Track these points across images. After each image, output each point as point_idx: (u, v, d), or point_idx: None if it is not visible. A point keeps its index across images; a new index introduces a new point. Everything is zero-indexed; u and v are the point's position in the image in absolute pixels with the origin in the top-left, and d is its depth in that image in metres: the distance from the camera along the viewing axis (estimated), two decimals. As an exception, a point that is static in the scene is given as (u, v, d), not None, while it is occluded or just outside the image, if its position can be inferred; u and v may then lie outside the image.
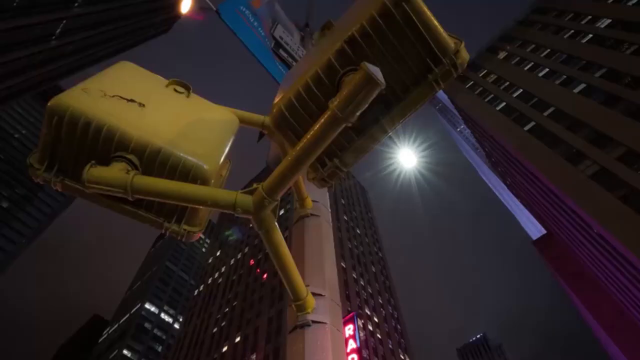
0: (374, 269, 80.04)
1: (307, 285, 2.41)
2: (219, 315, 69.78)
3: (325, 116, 1.41)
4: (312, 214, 3.16)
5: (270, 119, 1.76)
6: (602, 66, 31.74)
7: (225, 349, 60.67)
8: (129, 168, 1.63)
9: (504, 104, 40.93)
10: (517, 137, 35.04)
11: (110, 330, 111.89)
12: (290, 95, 1.65)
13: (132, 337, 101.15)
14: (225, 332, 63.78)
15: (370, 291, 71.52)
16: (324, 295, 2.36)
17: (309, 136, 1.48)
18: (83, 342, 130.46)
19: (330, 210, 3.53)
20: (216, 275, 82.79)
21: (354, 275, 69.19)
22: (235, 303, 68.68)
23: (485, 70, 49.90)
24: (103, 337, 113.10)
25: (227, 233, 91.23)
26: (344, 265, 68.73)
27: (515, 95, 40.02)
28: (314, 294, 2.35)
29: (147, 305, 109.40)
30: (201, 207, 1.75)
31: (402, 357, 64.92)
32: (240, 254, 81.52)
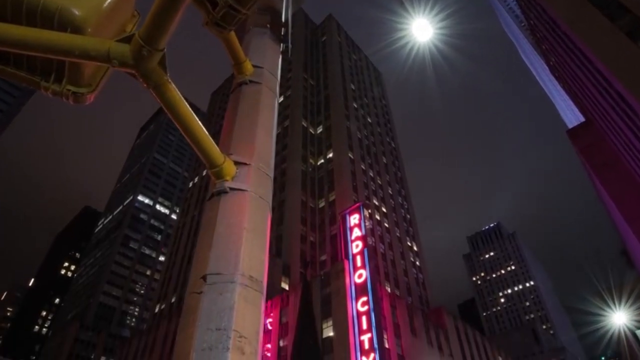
0: (385, 160, 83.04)
1: (230, 154, 2.59)
2: (216, 207, 76.19)
3: None
4: (251, 81, 3.14)
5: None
6: None
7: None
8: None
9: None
10: (570, 6, 31.50)
11: (105, 221, 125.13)
12: None
13: (129, 226, 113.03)
14: (225, 223, 70.77)
15: (380, 182, 75.87)
16: (249, 164, 2.55)
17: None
18: (79, 232, 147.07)
19: (278, 79, 3.48)
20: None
21: (362, 167, 72.38)
22: (232, 195, 74.03)
23: None
24: (99, 227, 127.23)
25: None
26: (351, 157, 71.23)
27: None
28: (237, 163, 2.54)
29: (139, 197, 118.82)
30: (73, 59, 1.74)
31: (410, 244, 73.30)
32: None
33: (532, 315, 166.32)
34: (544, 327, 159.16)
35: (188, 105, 2.07)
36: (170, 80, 1.96)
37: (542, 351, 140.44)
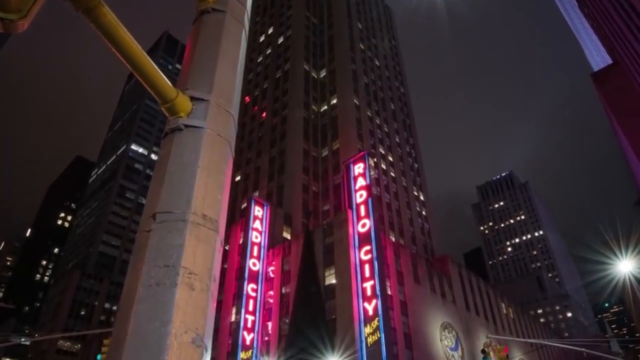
0: (393, 107, 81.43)
1: (186, 89, 2.52)
2: (215, 156, 76.53)
3: None
4: (214, 9, 2.98)
5: None
6: None
7: (225, 188, 69.54)
8: None
9: None
10: None
11: (99, 171, 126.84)
12: None
13: (124, 177, 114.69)
14: (224, 173, 71.57)
15: (387, 130, 75.11)
16: (207, 100, 2.49)
17: None
18: (72, 182, 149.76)
19: (248, 9, 3.29)
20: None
21: (369, 114, 71.26)
22: (231, 143, 73.97)
23: None
24: (93, 178, 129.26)
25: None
26: (357, 102, 69.85)
27: None
28: (194, 98, 2.48)
29: (133, 147, 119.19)
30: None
31: (416, 194, 74.30)
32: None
33: (538, 264, 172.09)
34: (550, 275, 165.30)
35: (128, 32, 1.98)
36: (104, 2, 1.85)
37: (546, 298, 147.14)
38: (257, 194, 59.83)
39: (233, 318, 46.23)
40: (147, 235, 1.97)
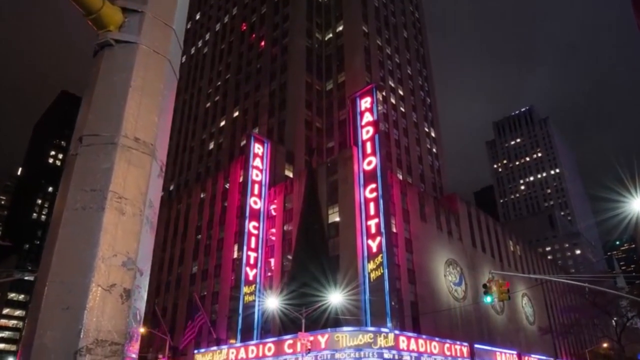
0: (405, 34, 77.49)
1: (116, -1, 2.35)
2: (210, 90, 75.14)
3: None
4: None
5: None
6: None
7: (222, 123, 69.12)
8: None
9: None
10: None
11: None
12: None
13: None
14: (221, 107, 70.73)
15: (398, 61, 72.21)
16: (142, 12, 2.33)
17: None
18: (59, 118, 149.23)
19: None
20: (199, 44, 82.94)
21: (378, 42, 68.07)
22: (228, 76, 72.17)
23: None
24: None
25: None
26: (365, 29, 66.35)
27: None
28: (127, 10, 2.32)
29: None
30: None
31: (427, 130, 73.44)
32: (227, 16, 78.22)
33: (551, 202, 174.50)
34: (562, 213, 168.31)
35: None
36: None
37: (556, 236, 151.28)
38: (257, 130, 59.50)
39: (235, 255, 48.46)
40: (74, 159, 1.95)
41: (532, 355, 56.66)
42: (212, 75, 75.58)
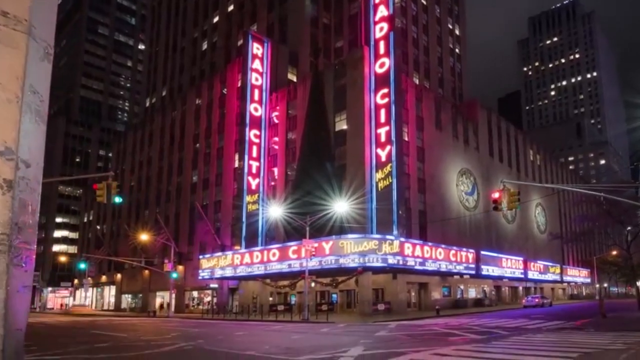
0: None
1: None
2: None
3: None
4: None
5: None
6: None
7: (216, 19, 65.50)
8: None
9: None
10: None
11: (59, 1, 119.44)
12: None
13: (91, 7, 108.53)
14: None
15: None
16: None
17: None
18: None
19: None
20: None
21: None
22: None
23: None
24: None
25: None
26: None
27: None
28: None
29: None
30: None
31: (451, 27, 68.97)
32: None
33: (582, 109, 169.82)
34: (592, 121, 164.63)
35: None
36: None
37: (582, 145, 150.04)
38: (255, 27, 56.44)
39: (237, 164, 49.39)
40: None
41: (538, 261, 60.07)
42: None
